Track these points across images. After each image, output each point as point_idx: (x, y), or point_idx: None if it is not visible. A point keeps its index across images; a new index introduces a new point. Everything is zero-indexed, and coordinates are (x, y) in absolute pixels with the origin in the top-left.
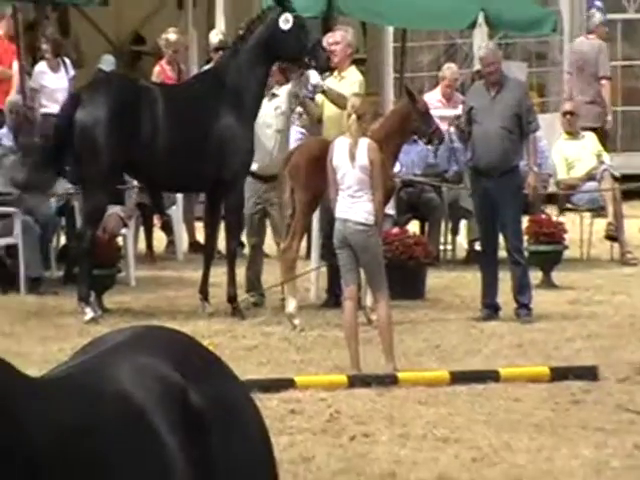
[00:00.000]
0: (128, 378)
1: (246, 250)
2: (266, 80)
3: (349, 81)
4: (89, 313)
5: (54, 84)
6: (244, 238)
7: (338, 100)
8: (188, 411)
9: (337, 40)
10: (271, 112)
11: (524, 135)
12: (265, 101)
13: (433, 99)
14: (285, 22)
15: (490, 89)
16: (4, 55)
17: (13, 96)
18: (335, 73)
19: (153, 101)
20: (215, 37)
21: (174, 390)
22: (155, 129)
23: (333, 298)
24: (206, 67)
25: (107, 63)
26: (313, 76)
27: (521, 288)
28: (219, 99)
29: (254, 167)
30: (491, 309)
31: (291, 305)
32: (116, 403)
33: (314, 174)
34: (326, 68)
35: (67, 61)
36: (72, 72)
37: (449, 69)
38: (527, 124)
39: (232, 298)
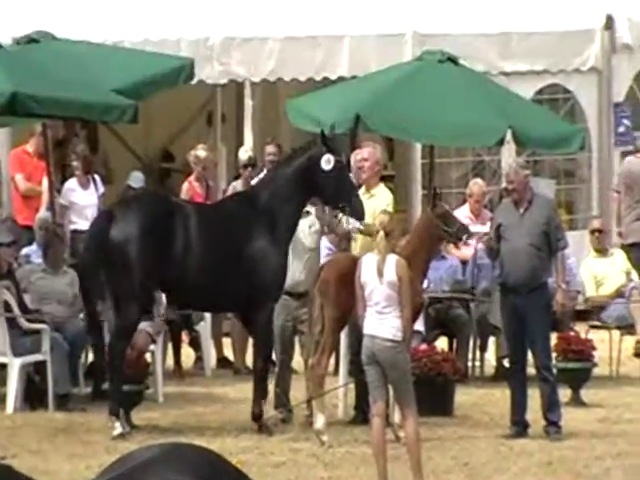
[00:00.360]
0: None
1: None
2: (302, 209)
3: (378, 199)
4: (118, 428)
5: (84, 201)
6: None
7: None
8: None
9: (365, 157)
10: (305, 230)
11: (552, 252)
12: (301, 221)
13: (461, 216)
14: (327, 163)
15: (518, 206)
16: (34, 172)
17: (43, 213)
18: (363, 190)
19: (186, 219)
20: (244, 154)
21: None
22: (187, 247)
23: (361, 415)
24: (235, 183)
25: (136, 180)
26: (351, 222)
27: (550, 405)
28: (253, 221)
29: (290, 283)
30: (520, 426)
31: (319, 421)
32: None
33: (343, 290)
34: (361, 217)
35: (97, 178)
36: (102, 189)
37: (476, 184)
38: (555, 241)
39: (258, 416)
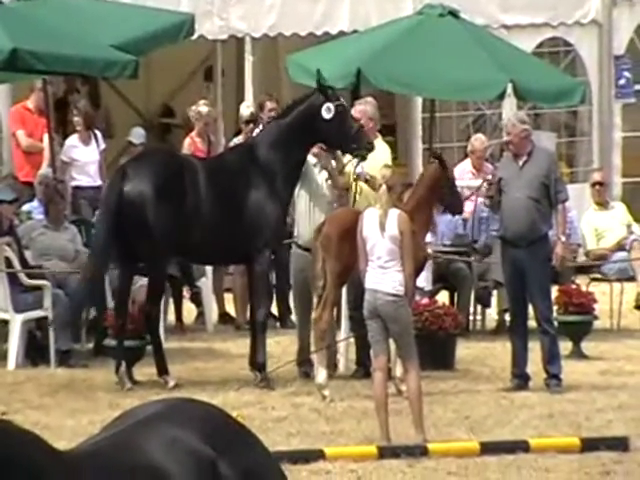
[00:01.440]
0: (159, 451)
1: (278, 323)
2: (303, 160)
3: (377, 153)
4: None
5: (85, 157)
6: (274, 309)
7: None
8: None
9: (357, 117)
10: (324, 184)
11: (552, 205)
12: (316, 172)
13: (464, 170)
14: (327, 111)
15: (517, 159)
16: (35, 129)
17: (44, 169)
18: None
19: (193, 174)
20: (246, 110)
21: (205, 463)
22: (195, 202)
23: (362, 369)
24: (236, 139)
25: (137, 135)
26: (359, 167)
27: (551, 358)
28: (252, 172)
29: (305, 239)
30: (521, 379)
31: (321, 376)
32: (145, 476)
33: (345, 245)
34: (370, 151)
35: (98, 134)
36: (103, 145)
37: (478, 140)
38: (555, 194)
39: (261, 365)
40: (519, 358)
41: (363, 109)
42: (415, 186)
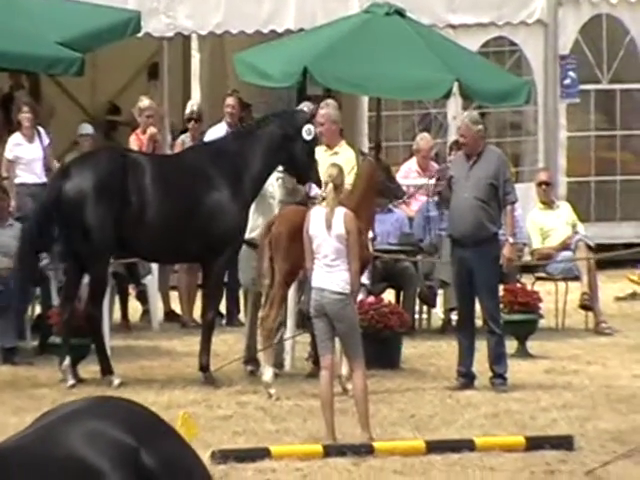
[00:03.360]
0: (82, 443)
1: (224, 321)
2: (270, 173)
3: (342, 157)
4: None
5: (30, 154)
6: (222, 308)
7: None
8: (141, 471)
9: (321, 121)
10: (274, 183)
11: (501, 206)
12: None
13: (409, 169)
14: (308, 133)
15: (469, 159)
16: None
17: None
18: (325, 148)
19: (142, 173)
20: (189, 107)
21: (127, 452)
22: (144, 201)
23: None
24: (183, 136)
25: (86, 129)
26: (313, 188)
27: (497, 358)
28: (216, 174)
29: (253, 235)
30: (467, 378)
31: (268, 374)
32: (71, 468)
33: (294, 244)
34: (319, 185)
35: (41, 130)
36: (47, 140)
37: (423, 139)
38: (504, 195)
39: (204, 367)
40: (465, 357)
41: (326, 113)
42: (353, 185)
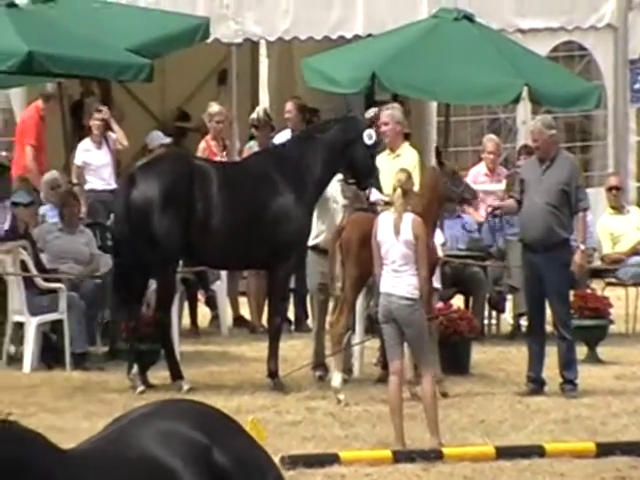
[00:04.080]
0: (153, 443)
1: (292, 326)
2: (331, 178)
3: (405, 159)
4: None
5: (98, 160)
6: (291, 314)
7: None
8: (213, 468)
9: (385, 121)
10: (338, 188)
11: (572, 212)
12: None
13: (478, 173)
14: (369, 138)
15: (542, 164)
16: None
17: (51, 173)
18: (388, 151)
19: (208, 179)
20: (254, 114)
21: (199, 450)
22: (210, 209)
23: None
24: (252, 142)
25: (156, 138)
26: (374, 193)
27: (567, 363)
28: (278, 180)
29: (318, 241)
30: (536, 384)
31: (336, 379)
32: (144, 468)
33: (365, 249)
34: (380, 190)
35: (112, 136)
36: (113, 146)
37: (490, 140)
38: (576, 202)
39: (273, 373)
40: (535, 362)
41: (391, 113)
42: (419, 192)
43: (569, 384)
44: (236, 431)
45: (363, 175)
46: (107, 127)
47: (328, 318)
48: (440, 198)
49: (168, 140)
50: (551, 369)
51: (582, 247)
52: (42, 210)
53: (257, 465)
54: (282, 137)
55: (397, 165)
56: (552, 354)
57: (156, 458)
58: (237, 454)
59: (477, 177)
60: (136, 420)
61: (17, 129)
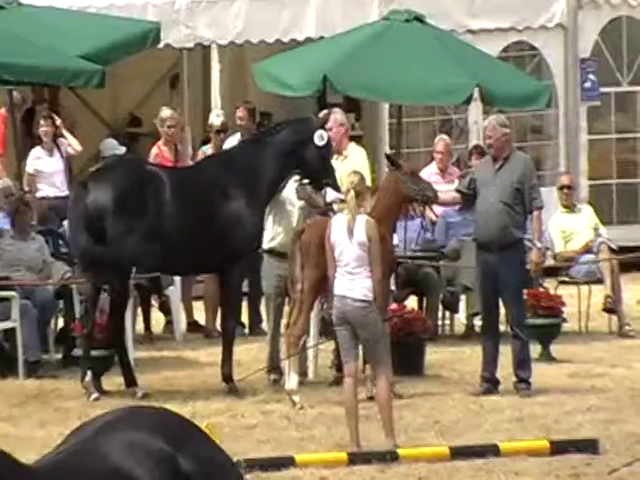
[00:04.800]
0: (120, 455)
1: (246, 330)
2: (282, 180)
3: (352, 159)
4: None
5: (51, 168)
6: (245, 318)
7: None
8: (179, 475)
9: (329, 126)
10: (293, 189)
11: (526, 211)
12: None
13: (430, 172)
14: (320, 139)
15: (495, 163)
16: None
17: (4, 181)
18: (336, 156)
19: (160, 185)
20: (217, 119)
21: (164, 459)
22: (162, 214)
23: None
24: (205, 147)
25: (110, 147)
26: (330, 193)
27: (521, 362)
28: (230, 185)
29: (275, 244)
30: (491, 383)
31: (293, 381)
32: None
33: (324, 252)
34: (337, 189)
35: (63, 142)
36: (65, 153)
37: (441, 140)
38: (530, 201)
39: (227, 377)
40: (489, 362)
41: (333, 117)
42: (379, 192)
43: (523, 383)
44: (197, 435)
45: (317, 176)
46: (58, 134)
47: (283, 321)
48: (401, 200)
49: (122, 149)
50: (505, 368)
51: (539, 245)
52: None
53: (220, 469)
54: (232, 141)
55: (346, 166)
56: (506, 353)
57: (121, 469)
58: (201, 460)
59: (429, 177)
60: (99, 430)
61: None
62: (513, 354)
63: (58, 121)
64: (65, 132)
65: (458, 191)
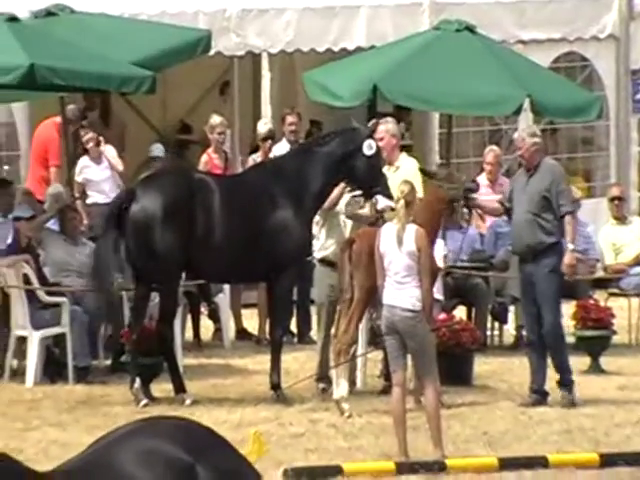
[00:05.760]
0: (134, 463)
1: (295, 338)
2: (331, 190)
3: (404, 170)
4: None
5: (98, 176)
6: (294, 326)
7: None
8: None
9: (381, 136)
10: (345, 199)
11: (557, 218)
12: (339, 188)
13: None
14: (369, 148)
15: (527, 173)
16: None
17: (55, 187)
18: (387, 166)
19: (209, 193)
20: (264, 126)
21: (181, 469)
22: (211, 223)
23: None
24: (254, 156)
25: (157, 150)
26: (381, 201)
27: (559, 371)
28: (278, 193)
29: (327, 253)
30: (539, 395)
31: (342, 388)
32: None
33: (375, 262)
34: (391, 197)
35: (111, 150)
36: (114, 160)
37: (491, 151)
38: (558, 207)
39: (275, 385)
40: (537, 373)
41: (385, 128)
42: (420, 202)
43: (563, 388)
44: (221, 446)
45: (366, 185)
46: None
47: (333, 330)
48: (443, 206)
49: (162, 153)
50: (553, 379)
51: (571, 247)
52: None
53: (241, 474)
54: (279, 149)
55: (398, 177)
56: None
57: (135, 478)
58: (222, 471)
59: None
60: (117, 439)
61: (36, 146)
62: (553, 363)
63: (102, 143)
64: (110, 152)
65: (501, 203)
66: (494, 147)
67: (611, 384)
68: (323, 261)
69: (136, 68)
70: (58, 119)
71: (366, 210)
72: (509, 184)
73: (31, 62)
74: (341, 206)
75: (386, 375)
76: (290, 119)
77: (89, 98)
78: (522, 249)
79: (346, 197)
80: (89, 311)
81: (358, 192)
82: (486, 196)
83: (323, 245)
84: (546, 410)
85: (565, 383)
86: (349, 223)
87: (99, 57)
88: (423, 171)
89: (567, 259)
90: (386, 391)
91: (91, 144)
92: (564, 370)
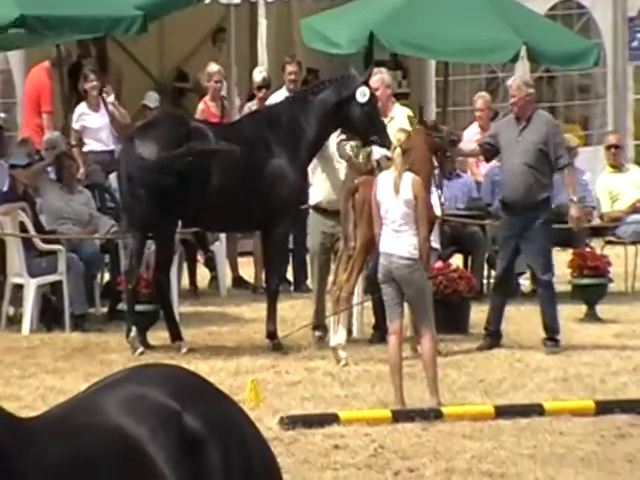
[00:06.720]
0: (119, 410)
1: (291, 287)
2: (326, 138)
3: (399, 120)
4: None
5: (96, 123)
6: (290, 274)
7: None
8: (184, 434)
9: (375, 86)
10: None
11: (552, 170)
12: (334, 135)
13: (472, 132)
14: (362, 95)
15: (518, 124)
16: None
17: (51, 134)
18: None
19: (206, 141)
20: (259, 75)
21: (168, 416)
22: (206, 170)
23: (379, 333)
24: (250, 104)
25: (152, 99)
26: (376, 151)
27: (547, 321)
28: (273, 141)
29: (320, 200)
30: (494, 336)
31: (341, 335)
32: (110, 437)
33: None
34: (388, 147)
35: (109, 98)
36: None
37: (481, 97)
38: (555, 160)
39: (272, 334)
40: (495, 317)
41: (380, 78)
42: (412, 150)
43: (550, 341)
44: (211, 394)
45: (362, 132)
46: (103, 90)
47: (330, 278)
48: (430, 153)
49: (157, 102)
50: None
51: (574, 198)
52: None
53: (233, 427)
54: (276, 98)
55: (392, 127)
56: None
57: (121, 427)
58: (211, 417)
59: (472, 136)
60: (104, 387)
61: (28, 93)
62: (541, 312)
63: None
64: (114, 104)
65: (479, 145)
66: (483, 93)
67: (607, 332)
68: (317, 208)
69: (125, 8)
70: (47, 64)
71: (360, 160)
72: (493, 128)
73: (20, 13)
74: (333, 151)
75: (375, 324)
76: (290, 68)
77: (83, 46)
78: (514, 199)
79: (334, 139)
80: (85, 259)
81: (343, 137)
82: None
83: (317, 192)
84: (542, 358)
85: (553, 338)
86: (343, 170)
87: (89, 3)
88: (411, 120)
89: (575, 211)
90: (374, 341)
91: (94, 92)
92: (553, 324)
